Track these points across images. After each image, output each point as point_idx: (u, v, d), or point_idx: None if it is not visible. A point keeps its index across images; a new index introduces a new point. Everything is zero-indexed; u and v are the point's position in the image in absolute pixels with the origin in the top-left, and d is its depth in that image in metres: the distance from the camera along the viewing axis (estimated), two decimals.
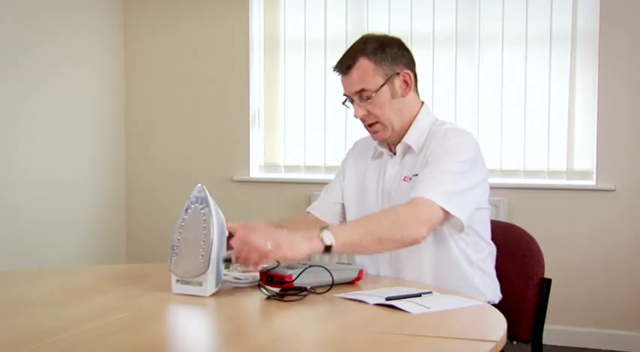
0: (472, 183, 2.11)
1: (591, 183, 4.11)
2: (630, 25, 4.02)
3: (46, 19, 4.20)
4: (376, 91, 2.18)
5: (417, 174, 2.16)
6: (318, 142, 4.52)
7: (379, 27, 4.25)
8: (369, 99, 2.19)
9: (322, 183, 4.40)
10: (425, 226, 2.01)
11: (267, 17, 4.61)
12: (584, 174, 4.14)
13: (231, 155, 4.65)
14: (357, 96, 2.21)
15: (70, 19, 4.38)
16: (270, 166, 4.65)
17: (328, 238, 1.89)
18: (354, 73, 2.20)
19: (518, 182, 4.17)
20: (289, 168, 4.61)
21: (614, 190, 4.05)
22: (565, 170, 4.17)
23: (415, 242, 2.02)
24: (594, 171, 4.11)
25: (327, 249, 1.89)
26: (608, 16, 4.02)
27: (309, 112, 4.53)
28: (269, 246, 1.82)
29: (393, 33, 2.36)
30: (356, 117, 2.23)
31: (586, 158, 4.14)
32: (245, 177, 4.62)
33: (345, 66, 2.22)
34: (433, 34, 4.28)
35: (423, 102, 2.29)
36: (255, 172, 4.66)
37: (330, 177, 4.40)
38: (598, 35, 4.04)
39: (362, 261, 2.32)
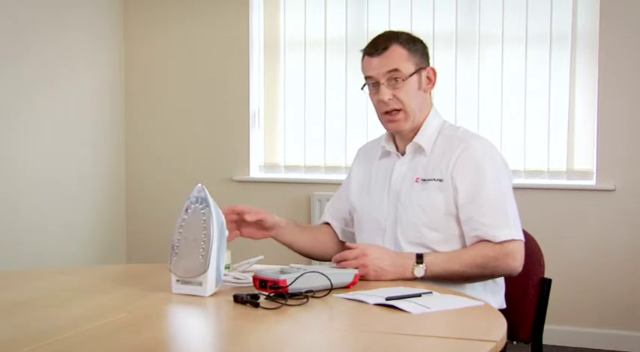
0: (513, 196, 2.23)
1: (591, 183, 4.11)
2: (630, 25, 4.02)
3: (46, 19, 4.20)
4: (408, 76, 2.20)
5: (440, 180, 2.17)
6: (318, 142, 4.52)
7: (379, 27, 4.24)
8: (398, 81, 2.19)
9: (322, 183, 4.47)
10: (519, 263, 2.14)
11: (267, 17, 4.61)
12: (584, 174, 4.14)
13: (231, 155, 4.65)
14: (387, 76, 2.20)
15: (70, 19, 4.38)
16: (270, 166, 4.65)
17: (420, 273, 2.08)
18: (390, 54, 2.21)
19: (518, 182, 4.16)
20: (289, 168, 4.61)
21: (614, 190, 4.05)
22: (565, 170, 4.17)
23: (507, 276, 2.22)
24: (594, 171, 4.11)
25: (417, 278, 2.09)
26: (608, 16, 4.02)
27: (309, 112, 4.53)
28: (371, 271, 2.05)
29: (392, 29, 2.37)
30: (382, 99, 2.20)
31: (586, 158, 4.14)
32: (245, 177, 4.62)
33: (380, 47, 2.21)
34: (433, 34, 4.28)
35: (432, 105, 2.31)
36: (255, 172, 4.66)
37: (330, 177, 4.47)
38: (598, 35, 4.04)
39: None
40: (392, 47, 2.21)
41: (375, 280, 2.05)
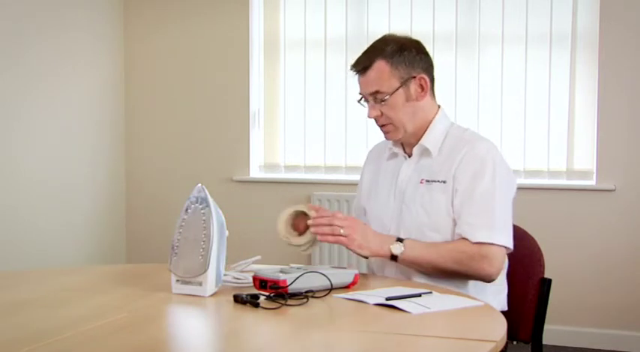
0: (511, 204, 2.21)
1: (591, 183, 4.11)
2: (630, 25, 4.02)
3: (46, 19, 4.20)
4: (391, 94, 2.19)
5: (444, 181, 2.18)
6: (318, 142, 4.52)
7: (379, 27, 4.26)
8: (382, 101, 2.20)
9: (322, 183, 4.47)
10: (495, 270, 2.12)
11: (267, 17, 4.61)
12: (584, 174, 4.14)
13: (231, 155, 4.65)
14: (372, 97, 2.22)
15: (70, 19, 4.38)
16: (270, 166, 4.65)
17: (397, 250, 2.10)
18: (371, 74, 2.21)
19: (519, 182, 4.10)
20: (289, 168, 4.61)
21: (614, 190, 4.05)
22: (565, 170, 4.17)
23: (481, 280, 2.16)
24: (594, 171, 4.11)
25: (393, 257, 2.11)
26: (608, 16, 4.02)
27: (309, 112, 4.53)
28: (342, 232, 2.07)
29: (387, 34, 2.36)
30: (369, 117, 2.25)
31: (586, 158, 4.14)
32: (245, 177, 4.62)
33: (361, 66, 2.23)
34: (433, 34, 4.28)
35: (439, 106, 2.31)
36: (255, 172, 4.66)
37: (330, 177, 4.48)
38: (598, 35, 4.04)
39: (368, 261, 2.33)
40: (374, 65, 2.20)
41: (354, 247, 2.10)
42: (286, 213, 2.19)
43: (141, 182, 4.83)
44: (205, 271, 1.87)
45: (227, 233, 1.94)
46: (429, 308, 1.74)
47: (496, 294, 2.21)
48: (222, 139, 4.66)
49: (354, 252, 2.13)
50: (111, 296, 1.94)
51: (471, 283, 2.17)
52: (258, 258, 2.18)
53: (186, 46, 4.73)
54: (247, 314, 1.76)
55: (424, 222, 2.19)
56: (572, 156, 4.15)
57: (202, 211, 1.90)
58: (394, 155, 2.34)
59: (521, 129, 4.19)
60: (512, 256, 2.27)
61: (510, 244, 2.14)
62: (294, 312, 1.76)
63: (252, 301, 1.78)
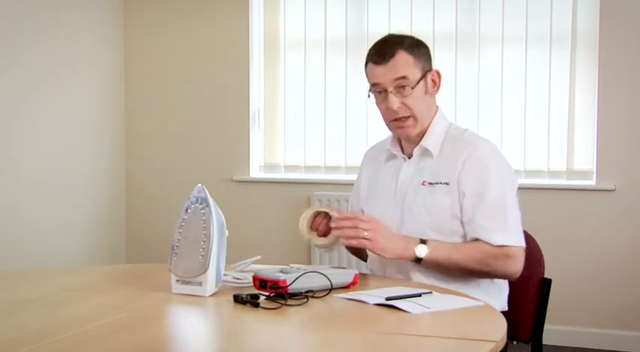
0: (517, 201, 2.25)
1: (591, 183, 4.11)
2: (630, 25, 4.02)
3: (45, 19, 4.20)
4: (417, 83, 2.19)
5: (447, 183, 2.17)
6: (318, 142, 4.52)
7: (379, 27, 4.26)
8: (406, 89, 2.17)
9: (322, 183, 4.47)
10: (519, 268, 2.14)
11: (267, 17, 4.61)
12: (584, 174, 4.14)
13: (231, 155, 4.65)
14: (395, 84, 2.18)
15: (70, 19, 4.38)
16: (270, 166, 4.65)
17: (422, 252, 2.08)
18: (396, 61, 2.18)
19: (519, 182, 4.15)
20: (289, 168, 4.61)
21: (614, 190, 4.05)
22: (565, 170, 4.17)
23: (506, 279, 2.21)
24: (594, 171, 4.11)
25: (417, 260, 2.09)
26: (608, 16, 4.02)
27: (309, 112, 4.53)
28: (366, 234, 2.03)
29: (393, 33, 2.36)
30: (391, 108, 2.19)
31: (586, 158, 4.14)
32: (245, 177, 4.62)
33: (388, 55, 2.19)
34: (433, 34, 4.28)
35: (437, 107, 2.31)
36: (255, 172, 4.66)
37: (330, 177, 4.48)
38: (598, 35, 4.04)
39: (369, 261, 2.33)
40: (398, 54, 2.18)
41: (377, 251, 2.07)
42: (308, 214, 2.20)
43: (141, 182, 4.83)
44: (205, 271, 1.87)
45: (227, 233, 1.94)
46: (429, 308, 1.74)
47: (497, 295, 2.22)
48: (222, 139, 4.67)
49: (377, 254, 2.10)
50: (111, 296, 1.94)
51: (471, 283, 2.17)
52: (258, 258, 2.18)
53: (186, 46, 4.73)
54: (247, 314, 1.76)
55: (427, 223, 2.19)
56: (572, 156, 4.15)
57: (202, 211, 1.90)
58: (392, 156, 2.34)
59: (521, 129, 4.19)
60: None
61: (523, 242, 2.17)
62: (294, 312, 1.76)
63: (252, 301, 1.78)
